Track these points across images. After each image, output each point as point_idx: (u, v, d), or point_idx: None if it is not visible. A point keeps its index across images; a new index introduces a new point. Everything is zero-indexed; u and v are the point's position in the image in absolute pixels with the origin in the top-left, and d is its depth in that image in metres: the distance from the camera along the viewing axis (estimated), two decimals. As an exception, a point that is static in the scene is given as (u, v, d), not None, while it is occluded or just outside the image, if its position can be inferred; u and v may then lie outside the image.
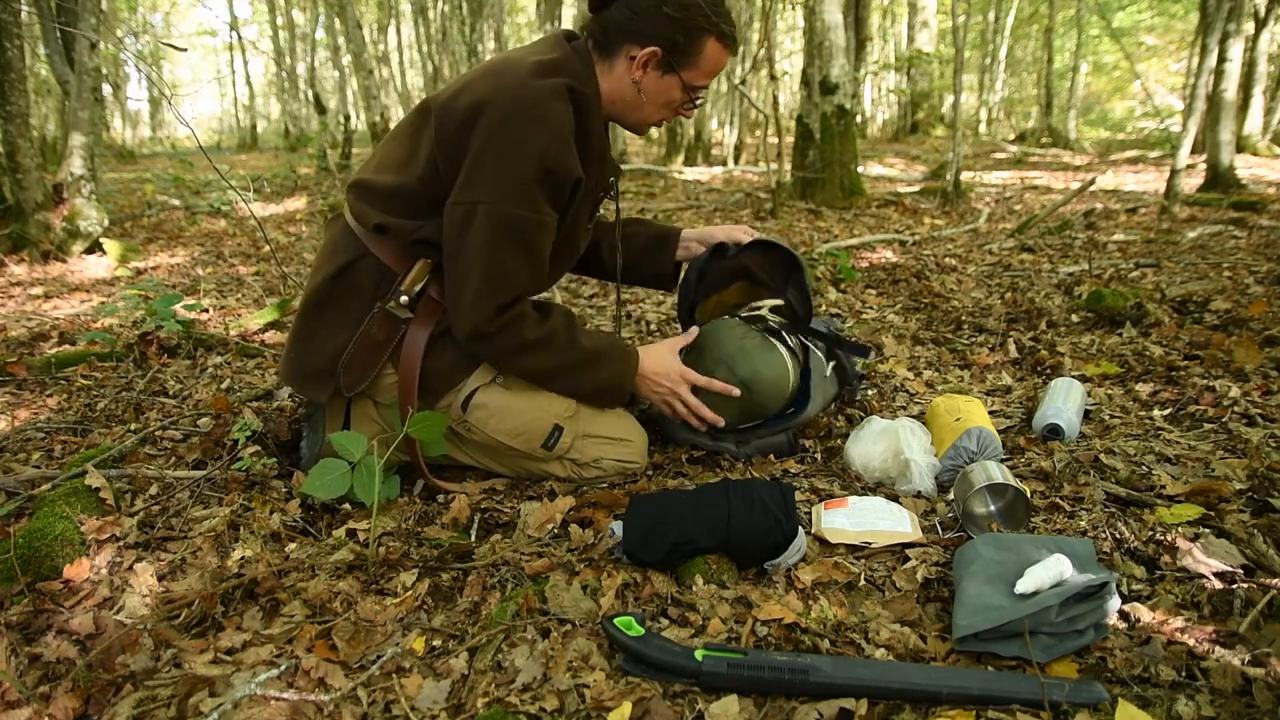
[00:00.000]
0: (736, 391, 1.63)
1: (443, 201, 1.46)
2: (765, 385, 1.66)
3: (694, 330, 1.71)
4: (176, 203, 6.76)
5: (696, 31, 1.47)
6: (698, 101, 1.57)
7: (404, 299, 1.52)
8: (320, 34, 19.44)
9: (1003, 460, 1.59)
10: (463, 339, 1.51)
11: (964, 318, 2.81)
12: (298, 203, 7.40)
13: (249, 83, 23.04)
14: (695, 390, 1.65)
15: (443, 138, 1.44)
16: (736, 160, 11.07)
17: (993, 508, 1.43)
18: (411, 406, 1.53)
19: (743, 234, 1.84)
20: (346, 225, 1.58)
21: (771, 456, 1.73)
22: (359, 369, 1.54)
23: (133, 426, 1.95)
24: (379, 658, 1.10)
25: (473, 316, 1.46)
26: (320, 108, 11.96)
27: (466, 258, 1.45)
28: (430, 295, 1.55)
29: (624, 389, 1.62)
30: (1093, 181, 5.91)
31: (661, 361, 1.64)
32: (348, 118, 11.55)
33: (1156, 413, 1.89)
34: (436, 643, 1.14)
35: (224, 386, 2.27)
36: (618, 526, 1.32)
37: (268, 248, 4.79)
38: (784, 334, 1.77)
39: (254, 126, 22.79)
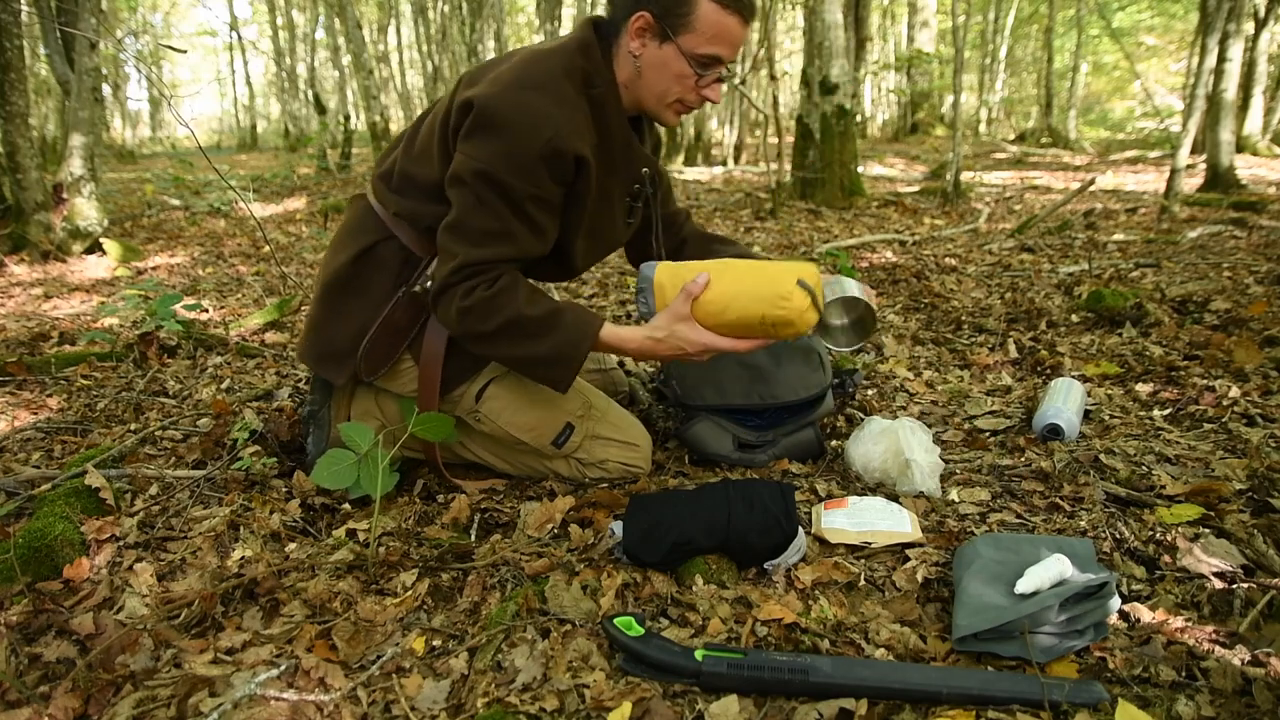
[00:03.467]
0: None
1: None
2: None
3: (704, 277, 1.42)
4: (176, 203, 6.76)
5: None
6: (712, 75, 1.42)
7: (429, 284, 1.47)
8: (320, 34, 19.47)
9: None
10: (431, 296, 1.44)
11: (964, 318, 2.81)
12: (298, 203, 7.40)
13: (249, 83, 23.02)
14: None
15: (451, 127, 1.41)
16: (736, 160, 11.08)
17: (846, 320, 1.63)
18: (432, 398, 1.53)
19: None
20: (369, 206, 1.56)
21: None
22: (380, 355, 1.53)
23: (133, 426, 1.95)
24: (379, 658, 1.10)
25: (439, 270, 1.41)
26: (320, 108, 11.97)
27: (454, 216, 1.40)
28: None
29: (574, 360, 1.43)
30: (1093, 181, 5.92)
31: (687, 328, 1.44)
32: (348, 118, 11.54)
33: (1156, 413, 1.89)
34: (436, 643, 1.14)
35: (224, 386, 2.27)
36: (618, 526, 1.32)
37: (268, 248, 4.79)
38: None
39: (254, 126, 22.81)
